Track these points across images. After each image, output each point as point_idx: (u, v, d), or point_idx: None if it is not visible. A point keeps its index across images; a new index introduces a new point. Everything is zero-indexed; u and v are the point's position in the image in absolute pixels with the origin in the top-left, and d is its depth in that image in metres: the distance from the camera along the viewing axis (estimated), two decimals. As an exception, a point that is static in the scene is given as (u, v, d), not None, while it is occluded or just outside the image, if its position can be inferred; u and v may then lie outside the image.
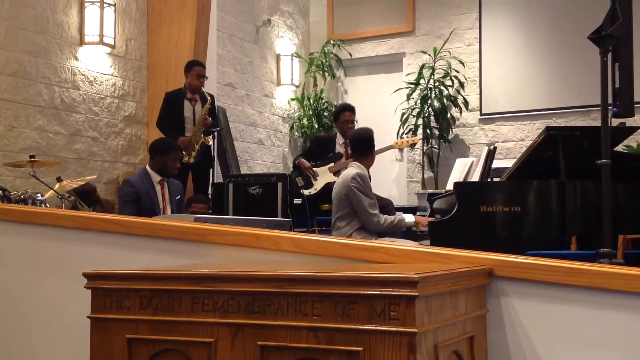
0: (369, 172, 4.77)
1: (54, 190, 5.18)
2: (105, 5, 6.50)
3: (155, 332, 1.75)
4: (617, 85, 3.03)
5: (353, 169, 4.61)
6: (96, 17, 6.48)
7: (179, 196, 5.10)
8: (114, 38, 6.68)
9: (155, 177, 4.96)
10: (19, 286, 2.60)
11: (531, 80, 8.22)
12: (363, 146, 4.71)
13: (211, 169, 6.41)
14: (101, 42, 6.53)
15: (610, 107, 3.05)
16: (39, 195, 4.88)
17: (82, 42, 6.50)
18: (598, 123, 3.13)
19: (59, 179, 5.32)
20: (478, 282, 1.89)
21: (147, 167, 5.05)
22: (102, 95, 6.70)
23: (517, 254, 2.02)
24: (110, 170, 6.79)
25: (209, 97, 6.21)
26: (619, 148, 5.05)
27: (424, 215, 5.10)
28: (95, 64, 6.63)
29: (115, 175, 6.82)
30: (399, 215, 4.69)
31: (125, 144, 6.95)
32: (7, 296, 2.63)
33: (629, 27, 3.11)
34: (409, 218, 4.60)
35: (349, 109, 6.35)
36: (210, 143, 6.24)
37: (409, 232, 5.06)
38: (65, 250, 2.54)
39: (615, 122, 3.56)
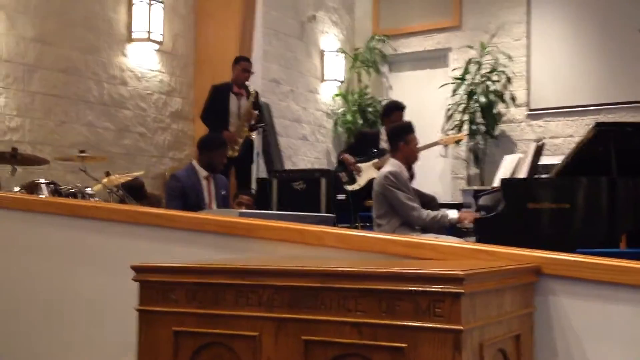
0: (411, 168, 4.74)
1: (102, 184, 5.28)
2: (153, 2, 6.59)
3: (201, 325, 1.77)
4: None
5: (387, 166, 4.60)
6: (144, 13, 6.58)
7: (224, 191, 5.14)
8: (162, 35, 6.77)
9: (202, 173, 5.00)
10: (66, 279, 2.66)
11: (580, 75, 8.05)
12: (391, 141, 4.72)
13: (253, 165, 6.45)
14: (149, 39, 6.63)
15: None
16: (88, 189, 4.98)
17: (130, 39, 6.61)
18: (650, 119, 3.06)
19: (107, 174, 5.43)
20: (525, 280, 1.86)
21: (194, 162, 5.09)
22: (149, 92, 6.81)
23: (566, 251, 1.98)
24: (156, 165, 6.89)
25: (253, 91, 6.25)
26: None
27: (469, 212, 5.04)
28: (143, 61, 6.73)
29: (162, 170, 6.92)
30: (443, 210, 4.64)
31: (172, 139, 7.05)
32: (55, 289, 2.69)
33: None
34: (453, 214, 4.54)
35: (401, 109, 6.26)
36: (254, 137, 6.27)
37: (453, 229, 5.01)
38: (113, 244, 2.59)
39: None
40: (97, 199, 4.99)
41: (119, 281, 2.16)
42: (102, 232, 2.61)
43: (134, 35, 6.60)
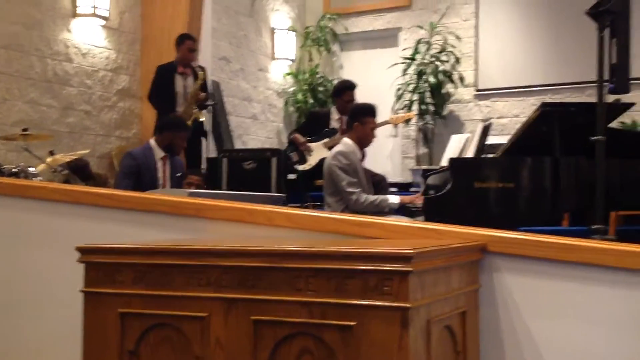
0: (362, 148, 4.75)
1: (46, 163, 5.16)
2: (98, -24, 6.43)
3: (148, 307, 1.75)
4: (613, 62, 3.02)
5: (339, 146, 4.60)
6: (89, -12, 6.41)
7: (179, 174, 5.07)
8: (108, 10, 6.61)
9: (159, 153, 4.91)
10: (10, 260, 2.60)
11: (527, 56, 8.19)
12: (349, 119, 4.72)
13: (203, 144, 6.39)
14: (94, 15, 6.47)
15: (606, 84, 3.03)
16: (31, 168, 4.86)
17: (75, 14, 6.43)
18: (593, 99, 3.13)
19: (51, 153, 5.30)
20: (471, 258, 1.89)
21: (152, 141, 4.98)
22: (95, 68, 6.65)
23: (511, 229, 2.02)
24: (103, 144, 6.76)
25: (200, 72, 6.16)
26: (614, 124, 5.05)
27: (418, 192, 5.10)
28: (88, 37, 6.57)
29: (108, 150, 6.80)
30: (383, 195, 4.64)
31: (119, 117, 6.92)
32: None
33: (627, 3, 3.09)
34: (394, 199, 4.55)
35: (352, 88, 6.25)
36: (203, 119, 6.20)
37: (403, 209, 5.06)
38: (59, 225, 2.54)
39: (610, 98, 3.55)
40: (40, 178, 4.87)
41: (65, 263, 2.12)
42: (45, 213, 2.55)
43: (79, 11, 6.42)
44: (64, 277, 2.31)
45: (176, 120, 5.18)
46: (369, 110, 4.70)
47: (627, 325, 1.81)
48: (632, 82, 3.38)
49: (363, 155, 5.57)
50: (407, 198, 4.65)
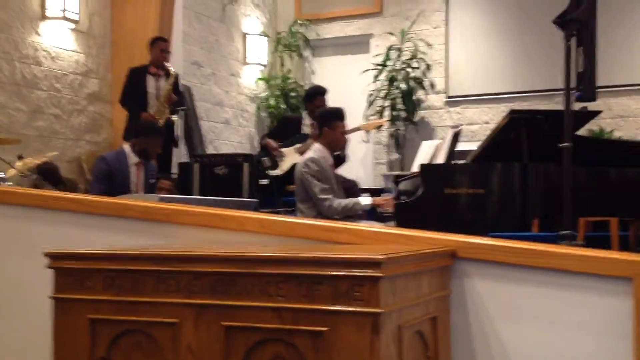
0: (333, 152, 4.75)
1: (15, 168, 5.09)
2: (67, -21, 6.36)
3: (119, 313, 1.74)
4: (580, 70, 3.07)
5: (309, 152, 4.60)
6: (58, -9, 6.34)
7: (153, 180, 5.02)
8: (77, 13, 6.54)
9: (133, 159, 4.86)
10: (-22, 266, 2.56)
11: (496, 63, 8.29)
12: (318, 125, 4.72)
13: (173, 148, 6.35)
14: (64, 17, 6.40)
15: (573, 91, 3.08)
16: (0, 173, 4.78)
17: (43, 17, 6.35)
18: (561, 107, 3.17)
19: (20, 157, 5.22)
20: (441, 263, 1.91)
21: (126, 146, 4.93)
22: (64, 72, 6.58)
23: (481, 235, 2.05)
24: (72, 148, 6.68)
25: (173, 73, 6.14)
26: (582, 132, 5.13)
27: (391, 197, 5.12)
28: (57, 40, 6.50)
29: (78, 154, 6.72)
30: (355, 198, 4.66)
31: (89, 121, 6.85)
32: (-34, 276, 2.58)
33: (593, 12, 3.14)
34: (365, 201, 4.57)
35: (323, 94, 6.27)
36: (175, 118, 6.16)
37: (374, 214, 5.08)
38: (27, 230, 2.50)
39: (578, 106, 3.61)
40: (10, 183, 4.80)
41: (34, 268, 2.10)
42: (13, 218, 2.52)
43: (47, 13, 6.35)
44: (33, 282, 2.28)
45: (150, 126, 5.14)
46: (337, 114, 4.70)
47: (596, 330, 1.84)
48: (599, 90, 3.44)
49: (343, 158, 5.62)
50: (378, 199, 4.67)
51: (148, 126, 5.08)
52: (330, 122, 4.62)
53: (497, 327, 1.94)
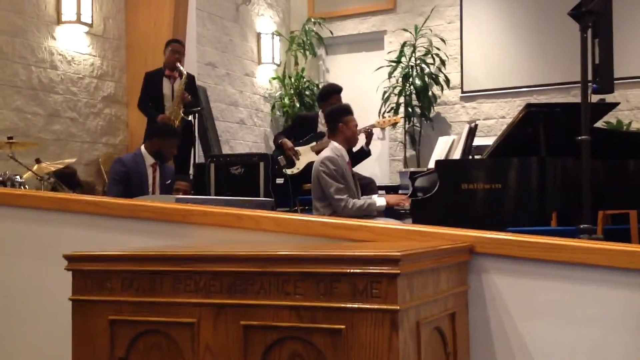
0: (351, 147, 4.77)
1: (32, 172, 5.13)
2: (81, -17, 6.40)
3: (138, 314, 1.74)
4: (596, 62, 3.04)
5: (326, 151, 4.61)
6: (73, -5, 6.38)
7: (169, 181, 5.05)
8: (92, 17, 6.59)
9: (149, 160, 4.89)
10: (-2, 269, 2.58)
11: (512, 57, 8.23)
12: (329, 124, 4.74)
13: (192, 149, 6.37)
14: (78, 21, 6.44)
15: (590, 84, 3.06)
16: (17, 177, 4.83)
17: (59, 21, 6.41)
18: (578, 99, 3.15)
19: (37, 161, 5.27)
20: (459, 259, 1.90)
21: (142, 148, 4.97)
22: (80, 75, 6.63)
23: (499, 230, 2.03)
24: (89, 151, 6.73)
25: (185, 73, 6.16)
26: (599, 124, 5.09)
27: (406, 194, 5.11)
28: (73, 44, 6.55)
29: (95, 157, 6.76)
30: (369, 198, 4.65)
31: (105, 124, 6.89)
32: (-13, 279, 2.60)
33: (609, 3, 3.11)
34: (380, 201, 4.55)
35: (339, 92, 6.26)
36: (190, 118, 6.19)
37: (391, 211, 5.07)
38: (46, 233, 2.52)
39: (595, 98, 3.58)
40: (27, 187, 4.84)
41: (53, 270, 2.11)
42: (32, 221, 2.54)
43: (63, 18, 6.40)
44: (52, 285, 2.29)
45: (165, 127, 5.17)
46: (346, 110, 4.75)
47: (616, 324, 1.82)
48: (616, 82, 3.41)
49: (369, 152, 5.61)
50: (392, 199, 4.66)
51: (162, 128, 5.11)
52: (343, 117, 4.65)
53: (516, 322, 1.92)
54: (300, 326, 1.59)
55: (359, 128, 4.90)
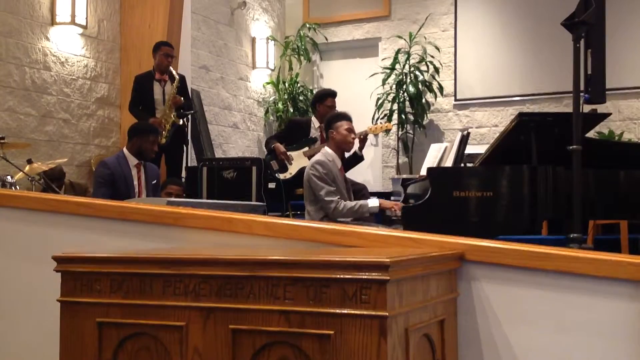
0: (344, 152, 4.78)
1: (24, 172, 5.11)
2: (76, -16, 6.39)
3: (126, 316, 1.74)
4: (589, 72, 3.06)
5: (318, 155, 4.66)
6: (68, -4, 6.37)
7: (154, 180, 5.05)
8: (86, 18, 6.58)
9: (132, 160, 4.89)
10: (-13, 269, 2.57)
11: (505, 66, 8.27)
12: (325, 132, 4.75)
13: (184, 152, 6.37)
14: (73, 23, 6.43)
15: (582, 94, 3.07)
16: (8, 177, 4.81)
17: (53, 22, 6.39)
18: (570, 109, 3.16)
19: (29, 161, 5.25)
20: (449, 267, 1.90)
21: (125, 149, 4.97)
22: (73, 77, 6.61)
23: (489, 238, 2.04)
24: (82, 152, 6.71)
25: (177, 76, 6.15)
26: (591, 134, 5.11)
27: (398, 200, 5.12)
28: (66, 45, 6.53)
29: (87, 158, 6.74)
30: (362, 200, 4.67)
31: (98, 126, 6.87)
32: (-24, 279, 2.59)
33: (602, 14, 3.13)
34: (373, 203, 4.57)
35: (333, 96, 6.27)
36: (181, 122, 6.18)
37: (382, 217, 5.08)
38: (36, 233, 2.51)
39: (587, 108, 3.60)
40: (18, 187, 4.82)
41: (43, 271, 2.10)
42: (23, 222, 2.53)
43: (57, 19, 6.39)
44: (42, 286, 2.28)
45: (141, 125, 5.15)
46: (338, 116, 4.77)
47: (604, 332, 1.83)
48: (608, 92, 3.43)
49: (362, 157, 5.65)
50: (387, 203, 4.67)
51: (139, 126, 5.10)
52: (333, 124, 4.68)
53: (505, 330, 1.93)
54: (289, 331, 1.59)
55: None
